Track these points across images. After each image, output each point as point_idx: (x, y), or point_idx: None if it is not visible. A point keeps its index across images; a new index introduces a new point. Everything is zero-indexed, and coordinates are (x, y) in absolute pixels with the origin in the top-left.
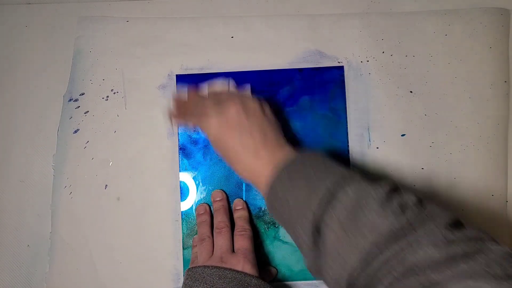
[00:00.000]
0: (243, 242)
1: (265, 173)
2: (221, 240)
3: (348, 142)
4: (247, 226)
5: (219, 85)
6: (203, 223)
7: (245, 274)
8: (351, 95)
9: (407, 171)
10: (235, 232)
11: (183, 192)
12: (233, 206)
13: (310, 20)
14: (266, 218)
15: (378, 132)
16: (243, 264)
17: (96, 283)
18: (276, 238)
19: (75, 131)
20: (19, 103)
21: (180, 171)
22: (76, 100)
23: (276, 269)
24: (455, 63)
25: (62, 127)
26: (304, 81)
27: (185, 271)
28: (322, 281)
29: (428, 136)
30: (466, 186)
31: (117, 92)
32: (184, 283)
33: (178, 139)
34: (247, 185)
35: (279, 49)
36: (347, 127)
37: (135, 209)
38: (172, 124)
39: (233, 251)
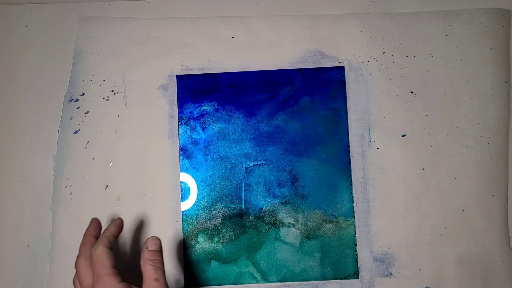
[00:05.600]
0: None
1: None
2: None
3: (348, 143)
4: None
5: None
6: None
7: None
8: (351, 95)
9: (408, 171)
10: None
11: (184, 192)
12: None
13: (311, 20)
14: (267, 218)
15: (378, 133)
16: None
17: None
18: (277, 238)
19: (76, 132)
20: (19, 103)
21: (180, 171)
22: (76, 101)
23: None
24: (456, 64)
25: (62, 127)
26: (304, 81)
27: None
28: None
29: (428, 137)
30: (466, 186)
31: (118, 93)
32: None
33: (179, 140)
34: (246, 185)
35: (280, 50)
36: (347, 128)
37: (135, 210)
38: None
39: None
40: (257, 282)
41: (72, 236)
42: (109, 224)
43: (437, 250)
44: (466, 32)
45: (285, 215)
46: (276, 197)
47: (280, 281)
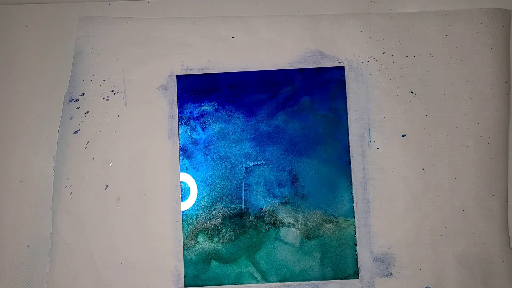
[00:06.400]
0: None
1: None
2: None
3: (348, 143)
4: None
5: None
6: None
7: None
8: (351, 95)
9: (408, 171)
10: None
11: (184, 192)
12: None
13: (311, 20)
14: (267, 218)
15: (378, 133)
16: None
17: (97, 283)
18: (277, 238)
19: (76, 132)
20: (19, 103)
21: (180, 171)
22: (76, 101)
23: None
24: (456, 64)
25: (62, 127)
26: (304, 81)
27: None
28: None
29: (428, 137)
30: (466, 186)
31: (118, 93)
32: None
33: (179, 140)
34: (247, 185)
35: (280, 50)
36: (347, 128)
37: (135, 210)
38: None
39: None
40: (257, 282)
41: (72, 236)
42: None
43: (437, 250)
44: (466, 32)
45: (285, 215)
46: (276, 197)
47: (280, 281)
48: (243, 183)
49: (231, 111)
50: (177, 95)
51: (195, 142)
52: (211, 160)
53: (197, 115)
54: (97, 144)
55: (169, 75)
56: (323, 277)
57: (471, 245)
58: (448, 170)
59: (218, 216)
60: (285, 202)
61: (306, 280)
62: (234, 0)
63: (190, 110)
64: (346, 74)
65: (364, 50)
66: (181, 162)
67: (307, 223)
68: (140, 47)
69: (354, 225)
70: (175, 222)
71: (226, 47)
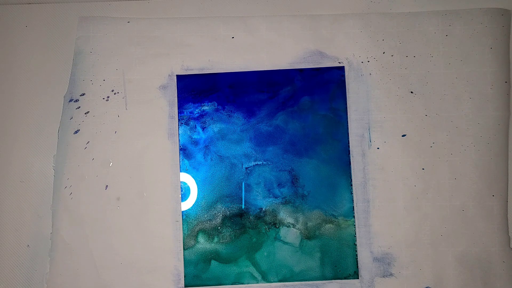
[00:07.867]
0: None
1: None
2: None
3: (348, 143)
4: None
5: None
6: None
7: None
8: (351, 95)
9: (408, 171)
10: None
11: (184, 192)
12: None
13: (311, 20)
14: (267, 218)
15: (378, 133)
16: None
17: (97, 283)
18: (277, 238)
19: (76, 132)
20: (19, 103)
21: (180, 171)
22: (76, 101)
23: None
24: (456, 64)
25: (62, 127)
26: (304, 81)
27: None
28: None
29: (428, 137)
30: (466, 186)
31: (118, 93)
32: None
33: (179, 140)
34: (247, 185)
35: (280, 50)
36: (347, 128)
37: (135, 210)
38: None
39: None
40: (257, 282)
41: (72, 236)
42: None
43: (437, 250)
44: (466, 32)
45: (285, 215)
46: (276, 197)
47: (280, 281)
48: (243, 183)
49: (231, 111)
50: (177, 95)
51: (195, 142)
52: (211, 160)
53: (197, 115)
54: (97, 144)
55: (169, 75)
56: (323, 277)
57: (471, 245)
58: (448, 170)
59: (218, 216)
60: (285, 202)
61: (306, 280)
62: (234, 0)
63: (190, 110)
64: (346, 74)
65: (364, 50)
66: (181, 162)
67: (307, 223)
68: (140, 47)
69: (354, 225)
70: (175, 222)
71: (226, 47)
